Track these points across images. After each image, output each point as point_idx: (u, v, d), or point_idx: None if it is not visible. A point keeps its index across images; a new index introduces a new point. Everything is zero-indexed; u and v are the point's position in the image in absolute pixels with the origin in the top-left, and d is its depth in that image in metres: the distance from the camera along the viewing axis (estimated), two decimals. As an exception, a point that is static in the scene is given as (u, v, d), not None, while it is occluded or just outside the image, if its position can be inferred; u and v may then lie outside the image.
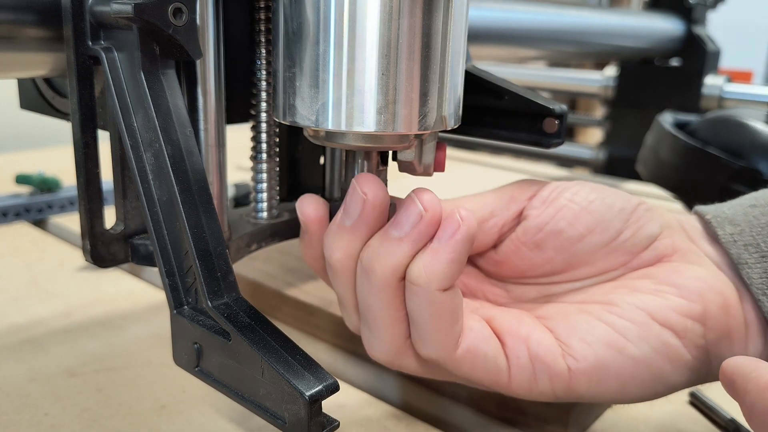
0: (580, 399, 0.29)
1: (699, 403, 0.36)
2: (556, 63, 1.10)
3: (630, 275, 0.30)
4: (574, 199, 0.30)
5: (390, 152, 0.31)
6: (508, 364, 0.28)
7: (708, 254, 0.31)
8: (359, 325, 0.30)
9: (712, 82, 0.83)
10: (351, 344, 0.41)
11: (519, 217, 0.31)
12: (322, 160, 0.40)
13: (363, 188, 0.27)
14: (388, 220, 0.29)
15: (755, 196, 0.32)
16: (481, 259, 0.33)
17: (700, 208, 0.33)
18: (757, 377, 0.22)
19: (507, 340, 0.29)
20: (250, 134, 0.35)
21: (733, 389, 0.23)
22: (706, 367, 0.29)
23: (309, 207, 0.30)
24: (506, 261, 0.32)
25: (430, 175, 0.31)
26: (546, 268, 0.31)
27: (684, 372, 0.28)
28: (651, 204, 0.31)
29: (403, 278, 0.27)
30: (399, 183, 0.33)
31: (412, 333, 0.28)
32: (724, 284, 0.29)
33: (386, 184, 0.31)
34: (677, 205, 0.66)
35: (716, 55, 0.85)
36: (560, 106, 0.32)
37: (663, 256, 0.30)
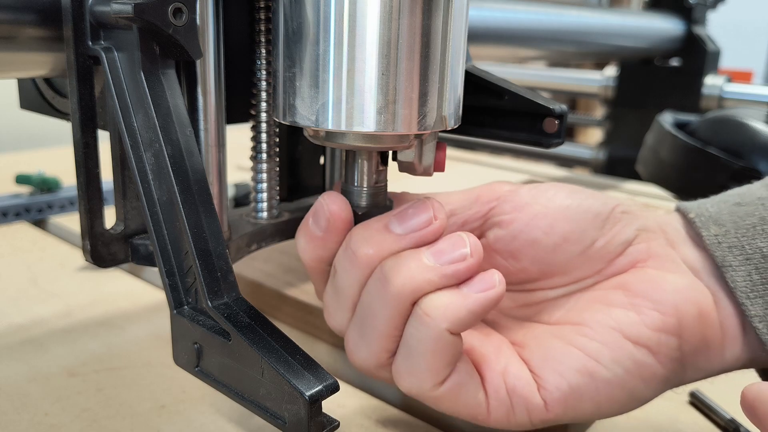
0: (556, 423, 0.29)
1: (699, 403, 0.36)
2: (556, 63, 1.10)
3: (604, 284, 0.30)
4: (549, 205, 0.30)
5: (390, 152, 0.31)
6: (487, 398, 0.28)
7: (687, 259, 0.30)
8: (345, 325, 0.30)
9: (712, 82, 0.83)
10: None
11: (484, 218, 0.31)
12: (322, 160, 0.40)
13: (430, 205, 0.27)
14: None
15: (740, 193, 0.31)
16: None
17: (683, 205, 0.32)
18: None
19: (486, 374, 0.28)
20: (250, 134, 0.35)
21: (755, 415, 0.23)
22: (680, 376, 0.29)
23: (335, 205, 0.29)
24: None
25: (430, 175, 0.31)
26: (520, 277, 0.31)
27: (657, 386, 0.28)
28: (628, 205, 0.31)
29: (416, 302, 0.27)
30: (399, 183, 0.33)
31: (399, 360, 0.28)
32: (700, 293, 0.29)
33: (386, 184, 0.31)
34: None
35: (716, 55, 0.85)
36: (560, 106, 0.32)
37: (637, 261, 0.30)
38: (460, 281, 0.26)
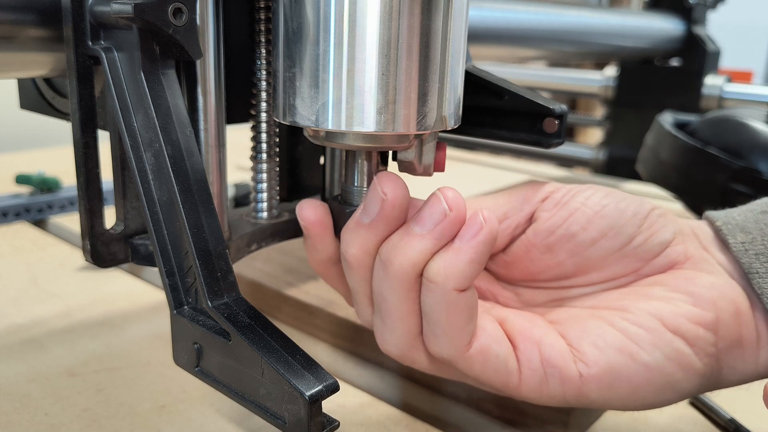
0: (590, 405, 0.29)
1: (699, 403, 0.36)
2: (556, 63, 1.10)
3: (641, 282, 0.30)
4: (588, 203, 0.30)
5: (390, 152, 0.31)
6: (519, 366, 0.28)
7: (720, 262, 0.30)
8: (371, 318, 0.30)
9: (712, 82, 0.83)
10: (351, 344, 0.41)
11: (531, 219, 0.31)
12: (322, 161, 0.40)
13: (383, 187, 0.27)
14: None
15: (766, 202, 0.32)
16: (491, 262, 0.33)
17: (710, 214, 0.32)
18: None
19: (519, 343, 0.29)
20: (250, 134, 0.35)
21: None
22: (716, 375, 0.29)
23: (308, 211, 0.30)
24: (516, 263, 0.32)
25: (430, 175, 0.31)
26: (556, 272, 0.31)
27: (695, 379, 0.28)
28: (664, 209, 0.31)
29: (421, 274, 0.27)
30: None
31: (424, 329, 0.28)
32: (736, 293, 0.29)
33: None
34: (677, 205, 0.66)
35: (716, 55, 0.85)
36: (560, 106, 0.32)
37: (675, 263, 0.30)
38: (452, 237, 0.26)
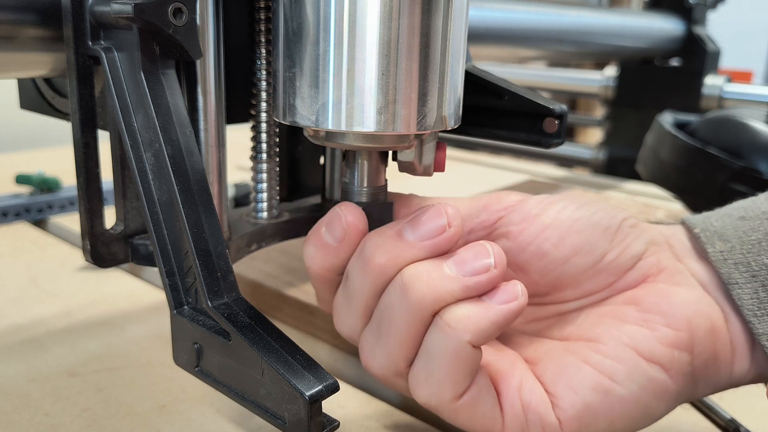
0: None
1: (699, 403, 0.36)
2: (556, 63, 1.10)
3: (616, 299, 0.30)
4: (559, 217, 0.29)
5: (390, 152, 0.31)
6: (502, 414, 0.28)
7: (695, 273, 0.30)
8: (358, 332, 0.29)
9: (712, 82, 0.83)
10: (351, 345, 0.41)
11: (491, 228, 0.30)
12: (322, 160, 0.40)
13: (443, 211, 0.27)
14: (387, 220, 0.29)
15: (744, 206, 0.31)
16: None
17: (688, 218, 0.32)
18: None
19: (502, 389, 0.28)
20: (250, 134, 0.35)
21: None
22: (690, 391, 0.29)
23: (352, 216, 0.28)
24: None
25: (430, 175, 0.31)
26: (530, 290, 0.30)
27: (669, 402, 0.28)
28: (635, 219, 0.31)
29: (437, 312, 0.26)
30: (399, 183, 0.33)
31: (417, 366, 0.27)
32: (710, 307, 0.29)
33: (386, 185, 0.31)
34: (678, 205, 0.66)
35: (716, 55, 0.85)
36: (560, 106, 0.32)
37: (648, 275, 0.29)
38: (482, 293, 0.26)
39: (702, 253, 0.30)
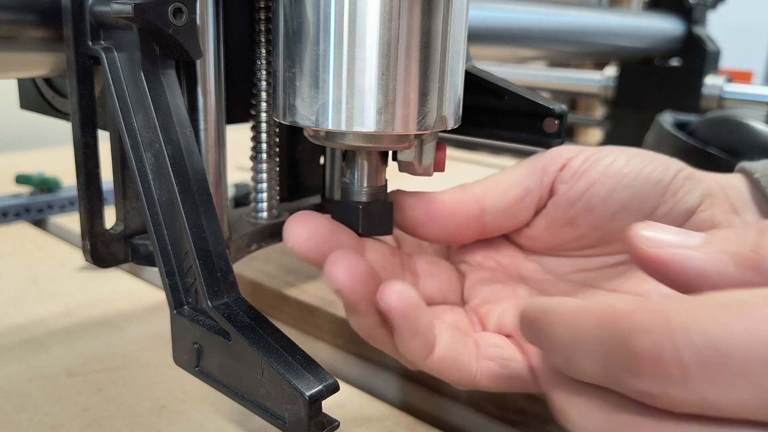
0: None
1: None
2: (555, 63, 1.10)
3: None
4: (608, 172, 0.29)
5: (390, 152, 0.31)
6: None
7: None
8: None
9: (712, 82, 0.83)
10: (351, 344, 0.41)
11: (551, 191, 0.30)
12: (322, 161, 0.40)
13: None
14: (387, 220, 0.29)
15: None
16: (515, 235, 0.32)
17: (747, 165, 0.30)
18: (561, 305, 0.19)
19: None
20: (250, 134, 0.35)
21: (533, 328, 0.20)
22: None
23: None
24: (539, 236, 0.31)
25: (430, 175, 0.31)
26: (579, 243, 0.30)
27: None
28: (691, 170, 0.29)
29: None
30: (399, 183, 0.33)
31: None
32: None
33: (386, 185, 0.31)
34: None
35: (716, 55, 0.85)
36: (560, 106, 0.32)
37: (701, 230, 0.29)
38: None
39: (761, 202, 0.29)
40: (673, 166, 0.29)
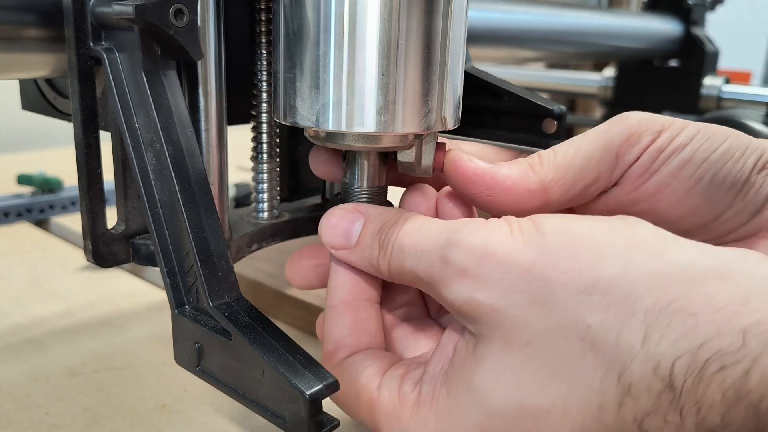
0: None
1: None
2: (555, 64, 1.10)
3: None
4: (680, 176, 0.27)
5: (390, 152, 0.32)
6: None
7: None
8: None
9: (710, 82, 0.83)
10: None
11: (616, 177, 0.28)
12: (322, 161, 0.40)
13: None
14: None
15: None
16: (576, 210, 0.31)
17: None
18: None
19: None
20: (251, 135, 0.35)
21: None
22: None
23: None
24: (591, 210, 0.29)
25: (429, 175, 0.31)
26: None
27: None
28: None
29: None
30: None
31: None
32: None
33: (386, 185, 0.31)
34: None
35: (715, 55, 0.86)
36: (559, 107, 0.32)
37: (761, 230, 0.27)
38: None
39: None
40: (752, 157, 0.27)
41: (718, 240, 0.28)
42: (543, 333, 0.22)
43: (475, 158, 0.28)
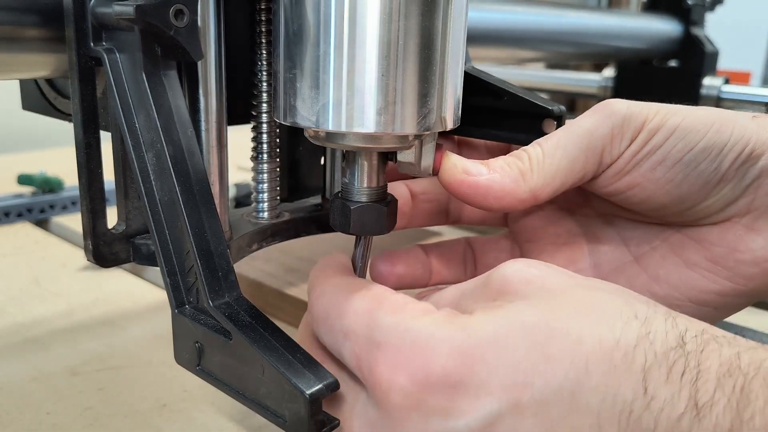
0: None
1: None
2: (554, 64, 1.10)
3: (692, 231, 0.30)
4: (650, 177, 0.28)
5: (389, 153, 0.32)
6: None
7: None
8: None
9: (710, 83, 0.83)
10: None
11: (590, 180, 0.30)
12: (322, 161, 0.40)
13: None
14: None
15: None
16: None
17: None
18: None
19: None
20: (251, 135, 0.35)
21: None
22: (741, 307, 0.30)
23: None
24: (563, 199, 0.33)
25: (429, 175, 0.31)
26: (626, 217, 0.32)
27: (714, 321, 0.29)
28: (752, 147, 0.27)
29: None
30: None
31: None
32: None
33: (386, 185, 0.31)
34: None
35: (714, 56, 0.86)
36: (559, 107, 0.32)
37: (733, 216, 0.29)
38: None
39: None
40: (730, 154, 0.27)
41: (694, 222, 0.30)
42: None
43: (469, 165, 0.29)
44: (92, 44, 0.27)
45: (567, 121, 0.30)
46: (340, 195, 0.31)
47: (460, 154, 0.30)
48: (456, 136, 0.36)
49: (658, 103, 0.29)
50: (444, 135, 0.35)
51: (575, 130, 0.29)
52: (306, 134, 0.29)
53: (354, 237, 0.31)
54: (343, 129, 0.26)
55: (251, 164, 0.35)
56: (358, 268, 0.31)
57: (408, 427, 0.22)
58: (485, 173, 0.29)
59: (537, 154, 0.29)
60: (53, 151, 0.96)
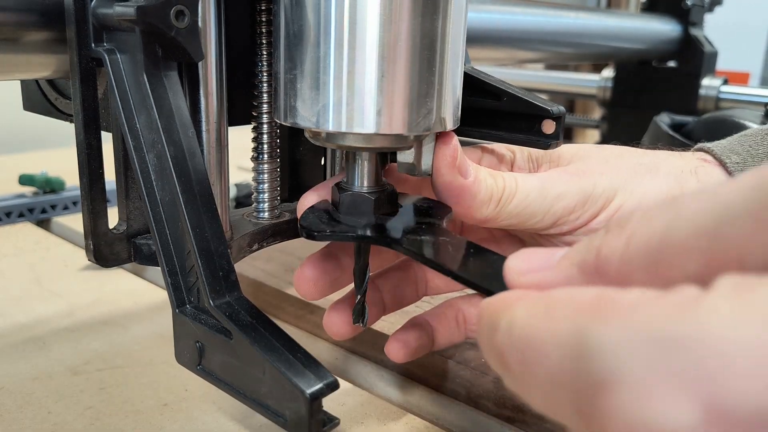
0: None
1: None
2: (554, 65, 1.10)
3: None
4: (533, 198, 0.31)
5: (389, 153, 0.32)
6: None
7: None
8: None
9: (708, 83, 0.84)
10: (351, 343, 0.42)
11: None
12: (322, 161, 0.40)
13: None
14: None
15: (743, 132, 0.35)
16: None
17: (701, 145, 0.35)
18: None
19: None
20: (252, 135, 0.35)
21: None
22: None
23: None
24: None
25: (429, 176, 0.31)
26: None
27: None
28: (647, 165, 0.33)
29: None
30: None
31: None
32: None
33: (385, 185, 0.31)
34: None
35: (713, 56, 0.86)
36: (558, 108, 0.33)
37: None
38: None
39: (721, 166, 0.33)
40: (596, 188, 0.32)
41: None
42: None
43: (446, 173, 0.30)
44: (93, 45, 0.27)
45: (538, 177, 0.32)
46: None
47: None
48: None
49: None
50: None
51: (548, 193, 0.32)
52: (306, 134, 0.30)
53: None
54: (343, 129, 0.26)
55: (251, 164, 0.36)
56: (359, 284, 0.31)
57: None
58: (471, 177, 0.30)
59: (510, 187, 0.31)
60: (55, 151, 0.96)
